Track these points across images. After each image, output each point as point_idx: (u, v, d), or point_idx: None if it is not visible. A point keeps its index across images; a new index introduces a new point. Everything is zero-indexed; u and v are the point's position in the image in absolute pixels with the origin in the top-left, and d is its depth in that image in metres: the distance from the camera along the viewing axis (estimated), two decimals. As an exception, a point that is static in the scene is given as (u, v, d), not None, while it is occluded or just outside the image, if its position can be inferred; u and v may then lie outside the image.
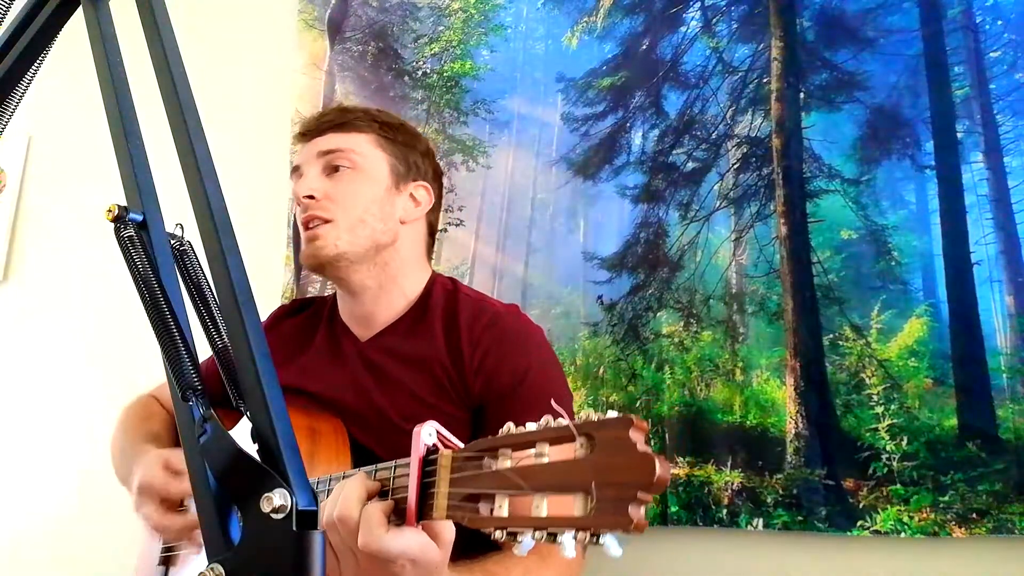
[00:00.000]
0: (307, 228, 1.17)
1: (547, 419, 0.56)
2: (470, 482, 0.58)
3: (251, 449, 0.51)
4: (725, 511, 1.50)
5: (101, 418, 2.11)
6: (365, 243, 1.17)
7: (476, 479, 0.57)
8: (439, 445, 0.63)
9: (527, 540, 0.53)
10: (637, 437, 0.50)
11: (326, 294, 1.45)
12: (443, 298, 1.20)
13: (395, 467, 0.68)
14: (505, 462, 0.56)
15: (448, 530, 0.70)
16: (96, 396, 2.18)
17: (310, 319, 1.31)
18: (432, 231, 1.29)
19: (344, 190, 1.17)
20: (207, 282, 0.63)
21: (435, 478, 0.61)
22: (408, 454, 0.66)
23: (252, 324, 0.54)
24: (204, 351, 0.66)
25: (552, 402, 0.57)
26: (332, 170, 1.19)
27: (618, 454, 0.49)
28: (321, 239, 1.15)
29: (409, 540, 0.66)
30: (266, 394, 0.51)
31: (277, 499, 0.46)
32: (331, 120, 1.22)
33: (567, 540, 0.50)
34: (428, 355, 1.13)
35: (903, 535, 1.37)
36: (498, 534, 0.54)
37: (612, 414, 0.52)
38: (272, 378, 0.52)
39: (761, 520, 1.47)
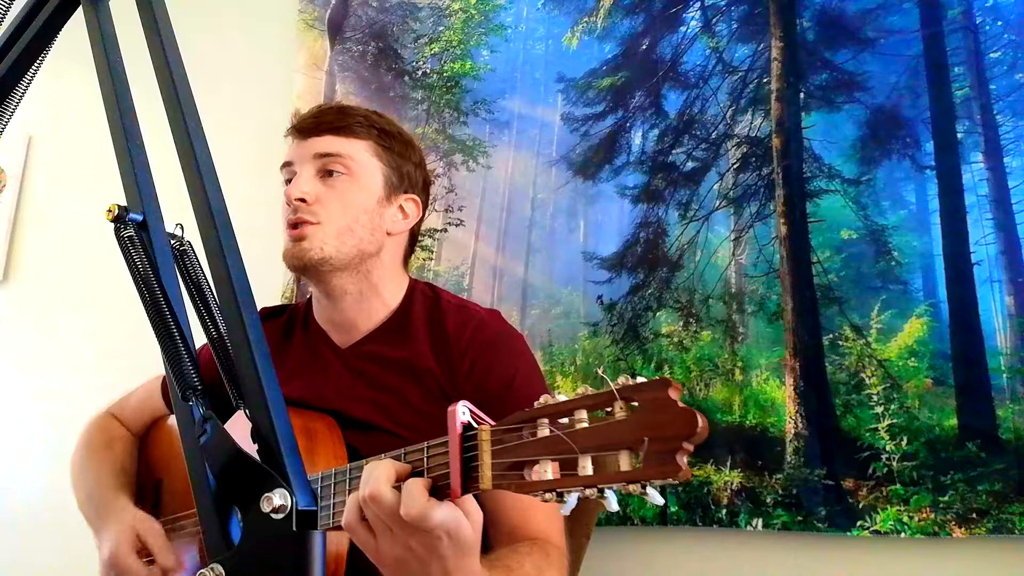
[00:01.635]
0: (293, 228, 1.16)
1: (585, 387, 0.59)
2: (513, 451, 0.60)
3: (251, 449, 0.51)
4: (724, 511, 1.50)
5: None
6: (351, 251, 1.16)
7: (519, 448, 0.60)
8: (473, 423, 0.65)
9: (572, 499, 0.57)
10: (675, 395, 0.54)
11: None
12: (425, 305, 1.21)
13: (427, 448, 0.69)
14: (544, 431, 0.59)
15: (477, 510, 0.71)
16: (96, 396, 2.17)
17: (285, 325, 1.30)
18: (413, 241, 1.29)
19: (337, 197, 1.16)
20: (207, 282, 0.63)
21: (475, 452, 0.63)
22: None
23: (252, 324, 0.54)
24: (200, 343, 0.65)
25: (599, 371, 0.64)
26: (326, 174, 1.17)
27: (661, 412, 0.54)
28: (307, 241, 1.14)
29: (448, 513, 0.67)
30: (266, 394, 0.51)
31: (277, 499, 0.47)
32: (330, 122, 1.20)
33: (611, 495, 0.55)
34: (415, 361, 1.14)
35: (903, 535, 1.37)
36: (548, 495, 0.57)
37: (641, 379, 0.56)
38: (272, 378, 0.52)
39: (760, 520, 1.47)
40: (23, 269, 2.44)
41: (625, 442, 0.54)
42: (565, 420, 0.59)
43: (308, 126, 1.21)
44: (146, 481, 1.29)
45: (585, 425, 0.57)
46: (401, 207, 1.23)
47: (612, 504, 0.55)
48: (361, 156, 1.19)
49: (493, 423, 0.65)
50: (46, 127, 2.49)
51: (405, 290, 1.24)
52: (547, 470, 0.58)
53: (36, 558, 2.14)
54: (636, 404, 0.55)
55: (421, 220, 1.29)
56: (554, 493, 0.57)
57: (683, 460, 0.52)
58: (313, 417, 1.12)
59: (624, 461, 0.54)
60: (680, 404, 0.54)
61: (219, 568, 0.48)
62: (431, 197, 1.43)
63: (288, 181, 1.20)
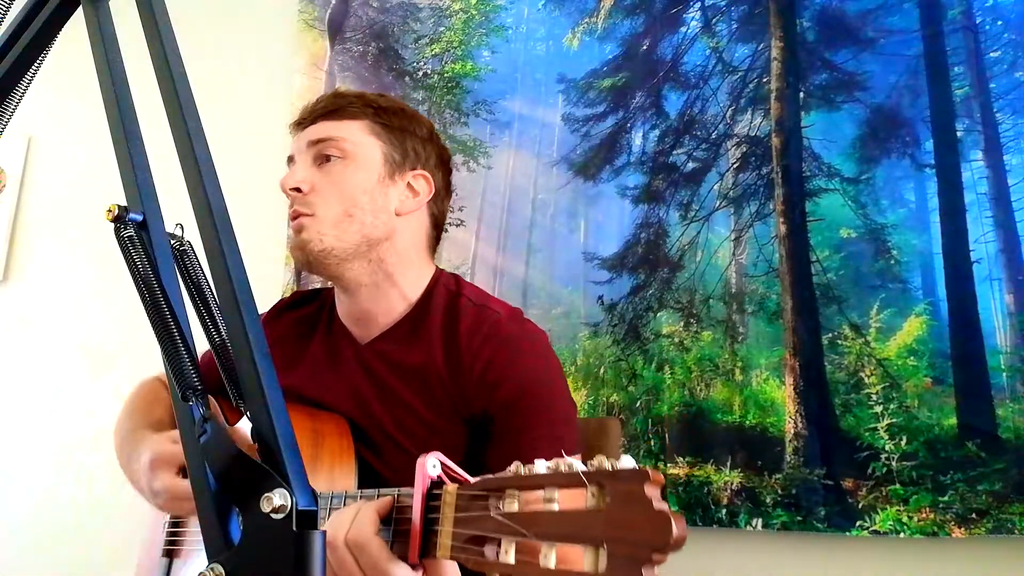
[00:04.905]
0: (293, 220, 1.12)
1: (557, 462, 0.53)
2: (475, 523, 0.56)
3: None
4: (724, 511, 1.50)
5: (101, 418, 2.11)
6: (354, 237, 1.10)
7: (482, 521, 0.56)
8: (443, 478, 0.62)
9: None
10: (652, 493, 0.47)
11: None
12: (444, 301, 1.14)
13: (398, 494, 0.68)
14: (512, 504, 0.54)
15: (452, 570, 0.70)
16: (96, 396, 2.18)
17: (311, 315, 1.26)
18: (437, 223, 1.20)
19: (332, 182, 1.11)
20: (207, 282, 0.63)
21: (439, 515, 0.60)
22: (405, 470, 0.64)
23: (252, 324, 0.54)
24: (204, 350, 0.66)
25: (561, 449, 0.55)
26: (323, 160, 1.12)
27: (632, 509, 0.47)
28: (305, 233, 1.09)
29: (412, 573, 0.66)
30: (266, 394, 0.51)
31: (277, 499, 0.46)
32: (324, 107, 1.15)
33: None
34: (425, 366, 1.09)
35: (902, 535, 1.37)
36: None
37: (626, 461, 0.50)
38: (272, 378, 0.52)
39: (760, 520, 1.47)
40: (23, 269, 2.44)
41: (588, 537, 0.48)
42: (540, 493, 0.53)
43: (304, 116, 1.17)
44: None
45: (554, 508, 0.51)
46: (409, 184, 1.15)
47: None
48: (355, 136, 1.13)
49: (465, 480, 0.61)
50: (46, 127, 2.49)
51: (428, 282, 1.17)
52: (510, 552, 0.53)
53: (36, 555, 2.14)
54: (607, 495, 0.48)
55: (445, 199, 1.21)
56: None
57: (652, 573, 0.45)
58: (325, 420, 1.09)
59: (588, 560, 0.47)
60: (656, 505, 0.46)
61: (219, 568, 0.48)
62: None
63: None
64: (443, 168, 1.20)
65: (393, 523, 0.68)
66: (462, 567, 0.70)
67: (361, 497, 0.72)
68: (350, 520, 0.69)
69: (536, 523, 0.51)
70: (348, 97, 1.17)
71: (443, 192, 1.20)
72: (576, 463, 0.52)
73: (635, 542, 0.46)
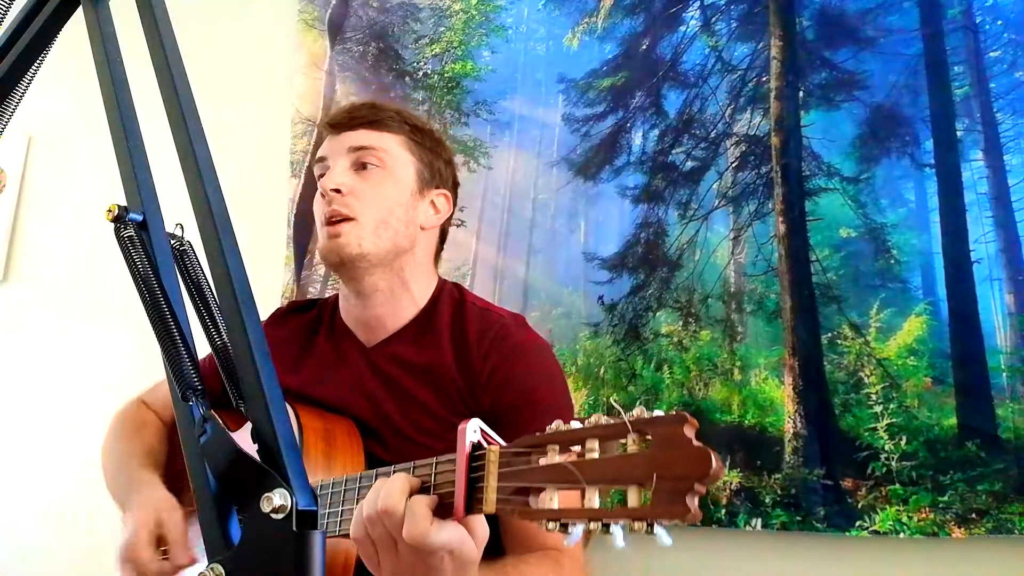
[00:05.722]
0: (330, 223, 1.15)
1: (598, 416, 0.57)
2: (520, 476, 0.59)
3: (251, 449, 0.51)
4: (723, 511, 1.50)
5: (101, 418, 2.11)
6: (387, 245, 1.15)
7: (527, 473, 0.59)
8: (483, 442, 0.65)
9: (577, 531, 0.55)
10: (691, 433, 0.52)
11: (326, 295, 1.44)
12: (450, 307, 1.19)
13: (436, 463, 0.69)
14: (554, 457, 0.58)
15: (483, 527, 0.71)
16: (96, 396, 2.18)
17: (312, 321, 1.30)
18: (443, 238, 1.29)
19: (371, 189, 1.16)
20: (207, 282, 0.63)
21: (483, 473, 0.62)
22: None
23: (252, 324, 0.54)
24: (204, 351, 0.66)
25: (613, 401, 0.59)
26: (360, 167, 1.17)
27: (675, 449, 0.52)
28: (344, 237, 1.13)
29: (451, 533, 0.67)
30: (266, 394, 0.51)
31: (277, 499, 0.47)
32: (364, 116, 1.20)
33: (618, 530, 0.53)
34: (436, 365, 1.13)
35: (902, 535, 1.37)
36: (552, 525, 0.56)
37: (659, 412, 0.54)
38: (272, 378, 0.52)
39: (759, 520, 1.47)
40: (23, 269, 2.44)
41: (634, 477, 0.53)
42: (577, 448, 0.57)
43: (342, 120, 1.21)
44: (173, 471, 1.28)
45: (596, 456, 0.56)
46: (433, 202, 1.23)
47: (618, 540, 0.53)
48: (394, 149, 1.19)
49: (503, 444, 0.64)
50: (46, 127, 2.49)
51: (434, 288, 1.23)
52: (553, 498, 0.57)
53: (36, 556, 2.14)
54: (649, 438, 0.53)
55: (450, 219, 1.29)
56: (557, 523, 0.56)
57: (693, 502, 0.50)
58: (334, 420, 1.11)
59: (632, 497, 0.53)
60: (695, 443, 0.52)
61: (219, 568, 0.48)
62: None
63: (322, 176, 1.20)
64: (455, 191, 1.30)
65: (432, 489, 0.68)
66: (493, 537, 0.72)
67: (395, 471, 0.72)
68: (377, 492, 0.70)
69: (582, 470, 0.56)
70: (388, 111, 1.23)
71: (453, 211, 1.29)
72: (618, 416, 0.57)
73: (678, 476, 0.51)
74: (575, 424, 0.58)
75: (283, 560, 0.46)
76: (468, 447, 0.64)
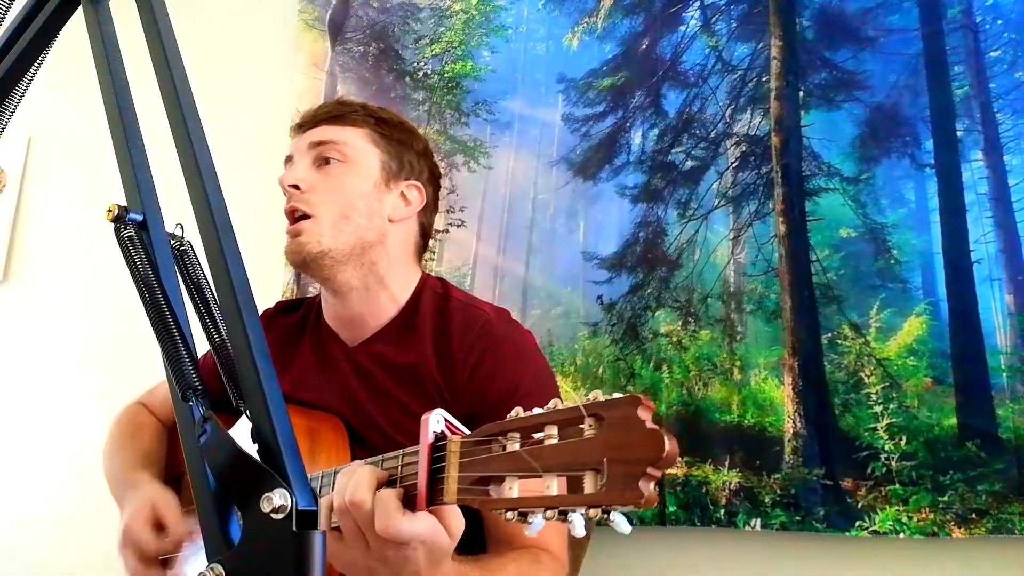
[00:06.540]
0: (291, 222, 1.16)
1: (555, 402, 0.57)
2: (480, 465, 0.59)
3: (251, 449, 0.51)
4: (723, 511, 1.50)
5: (100, 418, 2.11)
6: (349, 239, 1.14)
7: (486, 463, 0.58)
8: (447, 432, 0.64)
9: (538, 520, 0.54)
10: (645, 415, 0.51)
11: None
12: (433, 304, 1.18)
13: (403, 456, 0.69)
14: (514, 445, 0.57)
15: (456, 518, 0.71)
16: (96, 396, 2.18)
17: (298, 322, 1.29)
18: (425, 233, 1.27)
19: (331, 183, 1.15)
20: (207, 282, 0.63)
21: (444, 463, 0.61)
22: None
23: (252, 324, 0.54)
24: (204, 350, 0.66)
25: (595, 394, 0.58)
26: (323, 162, 1.17)
27: (627, 432, 0.50)
28: (304, 235, 1.13)
29: (423, 524, 0.67)
30: (266, 394, 0.51)
31: (277, 499, 0.47)
32: (327, 112, 1.20)
33: (577, 518, 0.51)
34: (417, 365, 1.12)
35: (902, 535, 1.37)
36: (509, 515, 0.55)
37: (616, 395, 0.53)
38: (272, 378, 0.52)
39: (759, 520, 1.47)
40: (23, 269, 2.44)
41: (588, 463, 0.51)
42: (539, 435, 0.56)
43: (306, 119, 1.22)
44: (171, 473, 1.29)
45: (554, 442, 0.54)
46: (403, 193, 1.21)
47: (577, 529, 0.52)
48: (356, 143, 1.18)
49: (467, 433, 0.63)
50: (46, 127, 2.49)
51: (415, 285, 1.21)
52: (513, 488, 0.56)
53: (35, 556, 2.14)
54: (604, 422, 0.52)
55: (432, 212, 1.27)
56: (515, 512, 0.54)
57: (648, 486, 0.48)
58: (320, 418, 1.11)
59: (588, 483, 0.51)
60: (648, 424, 0.50)
61: (219, 568, 0.48)
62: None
63: None
64: (434, 184, 1.27)
65: (399, 481, 0.68)
66: (471, 526, 0.72)
67: (364, 464, 0.72)
68: (344, 484, 0.70)
69: (539, 457, 0.55)
70: (352, 105, 1.22)
71: (432, 205, 1.26)
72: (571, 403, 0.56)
73: (631, 460, 0.49)
74: (535, 410, 0.58)
75: (283, 560, 0.46)
76: (431, 437, 0.63)
